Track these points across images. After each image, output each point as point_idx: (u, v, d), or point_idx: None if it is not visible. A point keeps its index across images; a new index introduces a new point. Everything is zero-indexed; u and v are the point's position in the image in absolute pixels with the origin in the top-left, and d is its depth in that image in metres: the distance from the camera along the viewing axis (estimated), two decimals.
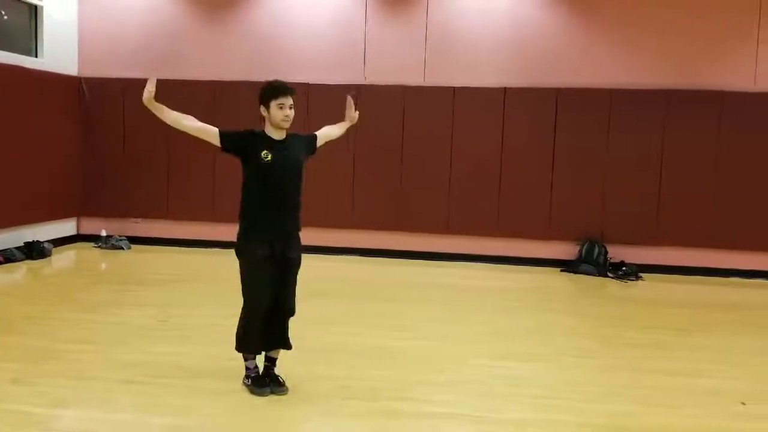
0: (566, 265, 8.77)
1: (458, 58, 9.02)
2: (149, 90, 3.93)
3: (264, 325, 4.12)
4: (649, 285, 8.18)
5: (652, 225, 8.72)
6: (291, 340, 4.26)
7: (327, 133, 4.46)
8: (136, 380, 4.33)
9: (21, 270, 7.88)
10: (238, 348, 4.21)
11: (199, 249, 9.33)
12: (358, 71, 9.16)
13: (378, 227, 9.20)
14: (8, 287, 7.24)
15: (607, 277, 8.43)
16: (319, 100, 8.66)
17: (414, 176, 9.07)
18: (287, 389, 4.18)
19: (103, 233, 9.48)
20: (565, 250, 8.91)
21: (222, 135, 4.04)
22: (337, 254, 9.09)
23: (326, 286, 7.21)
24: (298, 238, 4.21)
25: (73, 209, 9.63)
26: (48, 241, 8.79)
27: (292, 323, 4.25)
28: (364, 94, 8.49)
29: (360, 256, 9.14)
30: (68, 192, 9.46)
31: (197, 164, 9.18)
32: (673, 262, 8.73)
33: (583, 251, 8.72)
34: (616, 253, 8.73)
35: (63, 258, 8.75)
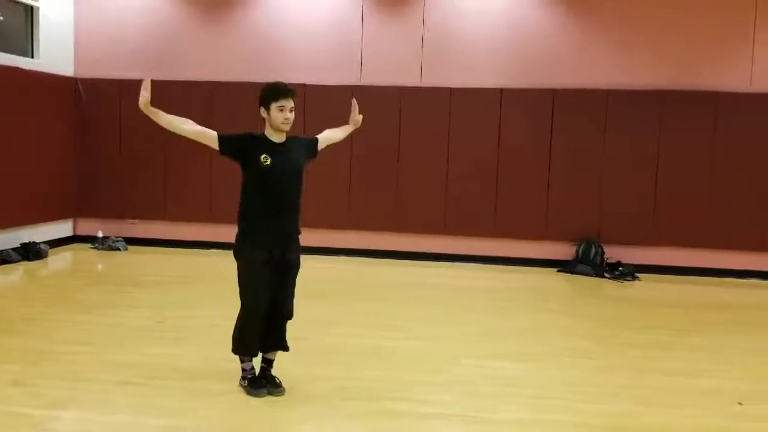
0: (563, 266, 8.78)
1: (455, 58, 9.02)
2: (144, 95, 3.87)
3: (261, 328, 4.10)
4: (645, 285, 8.19)
5: (648, 225, 8.74)
6: (288, 342, 4.25)
7: (329, 136, 4.40)
8: (132, 382, 4.32)
9: (17, 271, 7.86)
10: (235, 350, 4.20)
11: (197, 250, 9.32)
12: (354, 72, 9.16)
13: (375, 228, 9.20)
14: (5, 289, 7.22)
15: (604, 277, 8.44)
16: (316, 101, 8.69)
17: (411, 177, 9.07)
18: (284, 390, 4.17)
19: (100, 234, 9.46)
20: (562, 251, 8.92)
21: (221, 139, 3.99)
22: (334, 255, 9.09)
23: (323, 286, 7.20)
24: (298, 241, 4.18)
25: (70, 210, 9.61)
26: (44, 242, 8.77)
27: (289, 324, 4.25)
28: (360, 94, 8.47)
29: (357, 256, 9.14)
30: (65, 193, 9.44)
31: (194, 165, 9.16)
32: (669, 262, 8.75)
33: (580, 251, 8.74)
34: (613, 253, 8.75)
35: (59, 259, 8.73)
